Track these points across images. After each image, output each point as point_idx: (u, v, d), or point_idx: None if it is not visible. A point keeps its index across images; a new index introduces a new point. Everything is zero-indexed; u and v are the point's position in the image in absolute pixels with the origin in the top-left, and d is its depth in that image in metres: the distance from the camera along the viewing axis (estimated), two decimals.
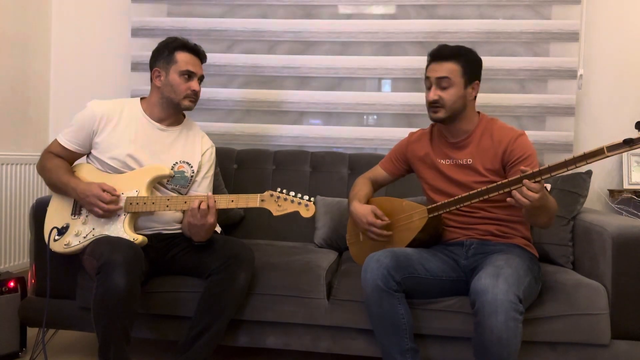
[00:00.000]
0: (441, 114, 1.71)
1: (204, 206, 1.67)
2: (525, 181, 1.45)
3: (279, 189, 1.68)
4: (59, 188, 1.80)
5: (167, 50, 1.87)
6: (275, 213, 1.67)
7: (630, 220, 1.80)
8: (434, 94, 1.70)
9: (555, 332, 1.65)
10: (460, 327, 1.67)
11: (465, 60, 1.72)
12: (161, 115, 1.90)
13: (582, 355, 1.68)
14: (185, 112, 2.01)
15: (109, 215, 1.72)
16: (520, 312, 1.43)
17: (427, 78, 1.74)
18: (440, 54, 1.72)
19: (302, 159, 2.47)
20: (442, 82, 1.70)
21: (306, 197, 1.66)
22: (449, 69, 1.70)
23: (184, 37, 1.92)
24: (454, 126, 1.76)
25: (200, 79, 1.91)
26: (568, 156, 1.42)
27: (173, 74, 1.85)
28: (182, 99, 1.86)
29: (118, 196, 1.73)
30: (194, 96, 1.88)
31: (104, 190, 1.71)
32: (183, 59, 1.85)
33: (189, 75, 1.85)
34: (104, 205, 1.69)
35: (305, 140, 2.65)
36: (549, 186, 2.07)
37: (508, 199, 1.50)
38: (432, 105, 1.72)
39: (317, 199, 2.31)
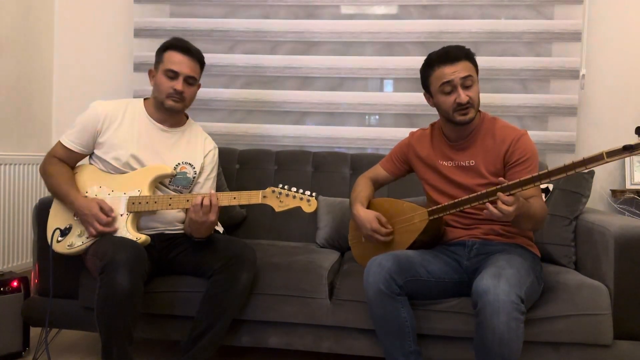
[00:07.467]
0: (472, 114, 1.67)
1: (206, 202, 1.66)
2: (499, 194, 1.45)
3: (280, 185, 1.68)
4: (58, 196, 1.81)
5: (160, 50, 1.86)
6: (277, 209, 1.67)
7: (632, 220, 1.79)
8: (465, 95, 1.64)
9: (558, 333, 1.65)
10: (461, 327, 1.67)
11: (472, 57, 1.70)
12: (160, 116, 1.89)
13: (584, 356, 1.68)
14: (188, 114, 2.01)
15: (100, 235, 1.70)
16: (522, 312, 1.43)
17: (447, 82, 1.64)
18: (453, 55, 1.66)
19: (304, 159, 2.48)
20: (466, 82, 1.65)
21: (308, 192, 1.66)
22: (466, 67, 1.66)
23: (185, 38, 1.90)
24: (460, 127, 1.71)
25: (189, 79, 1.84)
26: (567, 161, 1.42)
27: (160, 73, 1.84)
28: (164, 98, 1.83)
29: (114, 218, 1.72)
30: (177, 95, 1.82)
31: (101, 209, 1.70)
32: (169, 58, 1.83)
33: (173, 74, 1.82)
34: (98, 226, 1.69)
35: (307, 140, 2.65)
36: (551, 186, 2.07)
37: (484, 212, 1.50)
38: (464, 107, 1.65)
39: (319, 199, 2.31)
